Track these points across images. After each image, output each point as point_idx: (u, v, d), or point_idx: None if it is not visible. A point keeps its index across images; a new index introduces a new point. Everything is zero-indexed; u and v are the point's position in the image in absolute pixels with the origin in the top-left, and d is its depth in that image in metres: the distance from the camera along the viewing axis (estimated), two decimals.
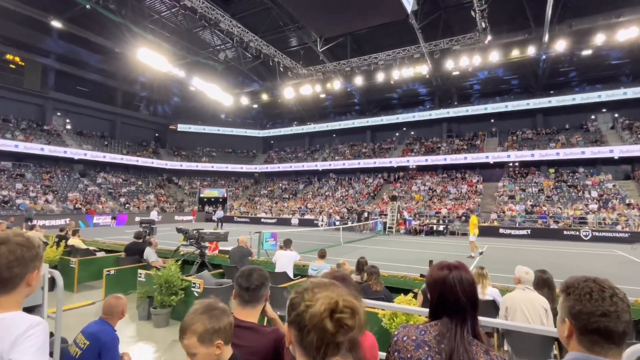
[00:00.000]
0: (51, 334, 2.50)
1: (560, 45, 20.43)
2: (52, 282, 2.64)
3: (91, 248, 9.00)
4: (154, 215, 22.74)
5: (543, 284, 3.72)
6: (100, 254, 8.63)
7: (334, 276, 1.57)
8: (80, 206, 25.12)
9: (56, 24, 21.87)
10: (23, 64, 27.81)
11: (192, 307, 1.48)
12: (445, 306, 1.27)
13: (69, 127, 31.86)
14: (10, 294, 1.18)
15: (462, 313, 1.25)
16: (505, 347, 3.50)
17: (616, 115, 27.09)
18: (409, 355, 1.21)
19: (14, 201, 22.56)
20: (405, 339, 1.26)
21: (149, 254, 7.27)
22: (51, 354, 2.40)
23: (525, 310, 3.29)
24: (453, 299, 1.26)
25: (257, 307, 1.79)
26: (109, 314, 2.65)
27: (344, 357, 0.87)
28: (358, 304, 0.88)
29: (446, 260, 1.38)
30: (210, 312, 1.43)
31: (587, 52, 22.80)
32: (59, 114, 31.29)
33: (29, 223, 18.10)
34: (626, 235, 18.23)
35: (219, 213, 25.84)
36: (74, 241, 8.78)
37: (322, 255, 6.29)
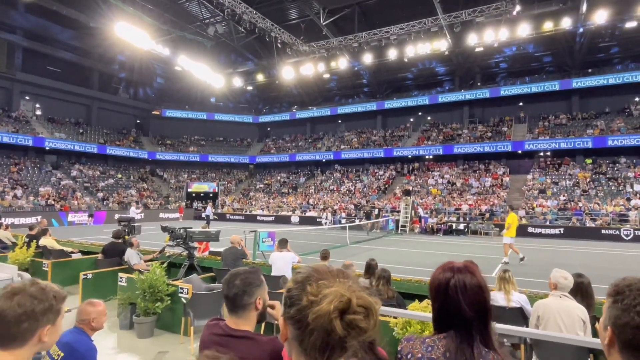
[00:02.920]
0: None
1: (600, 17, 20.16)
2: None
3: (66, 249, 9.07)
4: (133, 211, 22.66)
5: (576, 290, 3.67)
6: (76, 256, 8.70)
7: None
8: (53, 202, 25.33)
9: None
10: None
11: None
12: (448, 318, 1.22)
13: (39, 112, 31.98)
14: (17, 350, 1.20)
15: (467, 327, 1.18)
16: None
17: None
18: None
19: None
20: (409, 357, 1.22)
21: (131, 255, 7.32)
22: None
23: (560, 321, 3.27)
24: (455, 310, 1.19)
25: (246, 315, 1.78)
26: (85, 322, 2.67)
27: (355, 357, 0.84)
28: (373, 301, 0.83)
29: (453, 261, 1.31)
30: None
31: (631, 25, 22.44)
32: (27, 97, 31.39)
33: None
34: None
35: (208, 210, 25.87)
36: (46, 241, 8.84)
37: (324, 256, 6.26)
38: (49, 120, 31.68)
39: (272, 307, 1.91)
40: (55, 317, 1.28)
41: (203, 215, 26.42)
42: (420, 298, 4.48)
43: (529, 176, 27.19)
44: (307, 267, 0.92)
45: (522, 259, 11.88)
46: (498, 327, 1.82)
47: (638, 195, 22.13)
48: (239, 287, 1.76)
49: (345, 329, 0.78)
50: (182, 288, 5.54)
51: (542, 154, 28.66)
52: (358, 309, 0.80)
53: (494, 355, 1.16)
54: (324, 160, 36.27)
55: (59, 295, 1.32)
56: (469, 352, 1.14)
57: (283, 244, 7.00)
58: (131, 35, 23.81)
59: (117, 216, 20.52)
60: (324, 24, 23.47)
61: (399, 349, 1.28)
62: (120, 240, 8.15)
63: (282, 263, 6.52)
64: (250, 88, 38.33)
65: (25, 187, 25.83)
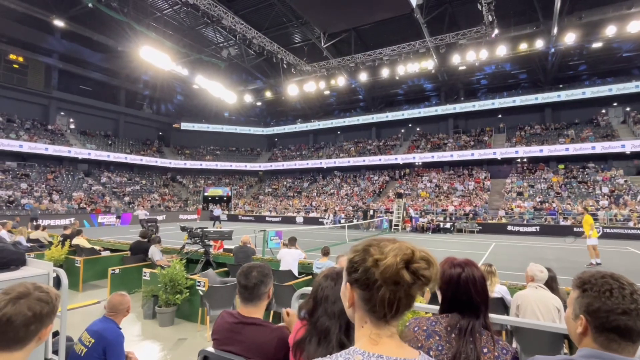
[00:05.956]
0: (56, 333, 2.52)
1: (570, 38, 20.17)
2: (57, 282, 2.67)
3: (96, 247, 9.07)
4: (141, 214, 22.07)
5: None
6: (105, 253, 8.70)
7: (331, 272, 1.56)
8: (85, 206, 25.36)
9: (58, 23, 22.03)
10: (26, 63, 28.07)
11: None
12: (459, 304, 1.33)
13: (72, 126, 32.13)
14: (19, 351, 1.12)
15: (474, 310, 1.31)
16: (514, 345, 3.48)
17: (628, 109, 26.71)
18: (419, 345, 1.28)
19: (19, 201, 22.84)
20: (416, 329, 1.33)
21: (154, 252, 7.32)
22: (57, 352, 2.43)
23: (537, 310, 3.25)
24: (466, 297, 1.32)
25: (259, 304, 1.79)
26: (113, 311, 2.67)
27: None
28: (431, 254, 0.85)
29: (455, 257, 1.43)
30: None
31: (597, 45, 22.47)
32: (62, 113, 31.56)
33: (34, 223, 18.30)
34: (639, 231, 18.00)
35: (217, 211, 25.64)
36: (79, 240, 8.86)
37: (325, 252, 6.23)
38: (82, 133, 31.81)
39: (287, 314, 1.86)
40: (55, 316, 1.22)
41: (212, 215, 26.13)
42: None
43: (508, 180, 27.09)
44: (365, 240, 0.91)
45: (597, 264, 10.30)
46: None
47: (605, 196, 22.03)
48: (257, 278, 1.76)
49: (412, 278, 0.80)
50: (199, 281, 5.54)
51: (519, 160, 28.58)
52: (420, 260, 0.82)
53: (488, 333, 1.28)
54: (325, 167, 36.23)
55: (58, 295, 1.24)
56: (471, 329, 1.26)
57: (292, 241, 6.90)
58: (154, 58, 23.97)
59: (140, 217, 20.45)
60: (324, 46, 23.55)
61: (407, 324, 1.40)
62: (145, 240, 8.15)
63: (290, 259, 6.46)
64: (259, 103, 38.43)
65: (60, 192, 25.90)
